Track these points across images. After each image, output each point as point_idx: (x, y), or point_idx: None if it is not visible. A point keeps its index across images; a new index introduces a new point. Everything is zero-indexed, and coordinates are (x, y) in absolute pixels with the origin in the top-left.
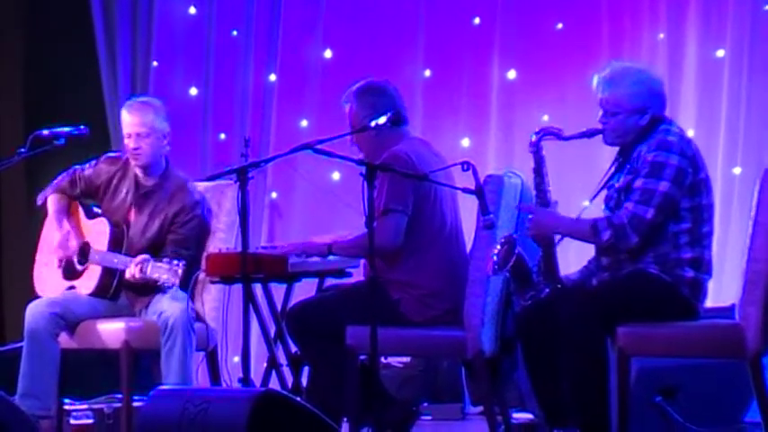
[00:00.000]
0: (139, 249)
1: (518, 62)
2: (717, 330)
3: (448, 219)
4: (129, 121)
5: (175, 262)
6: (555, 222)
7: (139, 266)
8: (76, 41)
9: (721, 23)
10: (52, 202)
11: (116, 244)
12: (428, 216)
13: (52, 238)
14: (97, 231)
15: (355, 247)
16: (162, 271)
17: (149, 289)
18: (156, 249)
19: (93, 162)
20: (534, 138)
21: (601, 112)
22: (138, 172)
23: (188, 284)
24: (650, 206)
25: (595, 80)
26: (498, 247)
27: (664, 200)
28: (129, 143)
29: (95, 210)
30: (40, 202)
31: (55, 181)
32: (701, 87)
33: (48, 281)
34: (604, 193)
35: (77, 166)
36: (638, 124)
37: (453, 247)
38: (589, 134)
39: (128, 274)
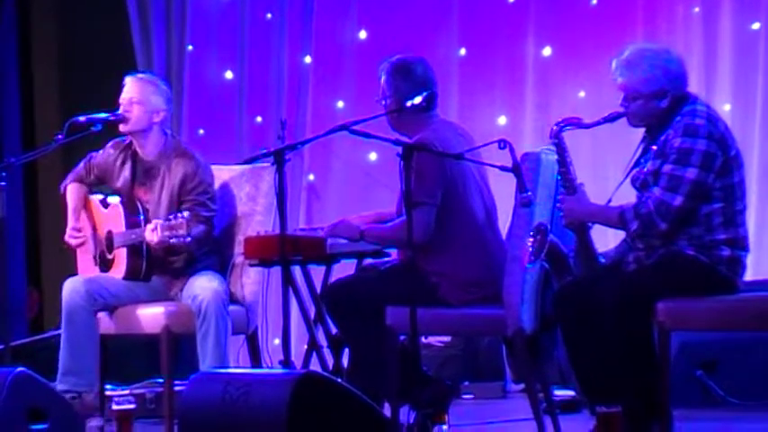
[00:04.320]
0: None
1: (553, 39)
2: (757, 303)
3: (479, 205)
4: (127, 88)
5: (179, 215)
6: (585, 211)
7: (154, 231)
8: (111, 27)
9: None
10: (69, 193)
11: (133, 224)
12: (458, 206)
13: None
14: (114, 216)
15: (386, 239)
16: (170, 228)
17: (182, 271)
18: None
19: (103, 149)
20: (555, 129)
21: (622, 96)
22: (139, 150)
23: (210, 242)
24: (678, 193)
25: (614, 65)
26: (531, 238)
27: (692, 187)
28: (121, 109)
29: (109, 199)
30: (62, 190)
31: (74, 169)
32: (737, 61)
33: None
34: (634, 172)
35: (93, 153)
36: (659, 107)
37: (487, 233)
38: (611, 119)
39: (149, 240)
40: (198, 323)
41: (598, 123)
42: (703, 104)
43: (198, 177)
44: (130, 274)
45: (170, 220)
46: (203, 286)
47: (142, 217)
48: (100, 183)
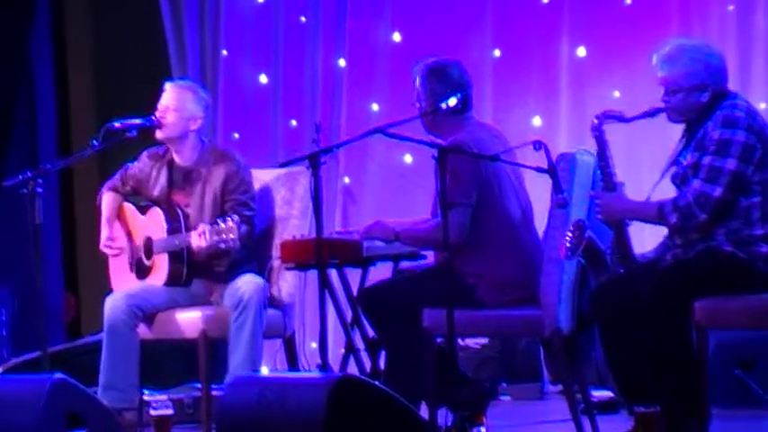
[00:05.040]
0: None
1: (587, 39)
2: None
3: (515, 206)
4: (165, 94)
5: (229, 220)
6: (622, 207)
7: (202, 236)
8: (145, 33)
9: None
10: (105, 203)
11: (174, 230)
12: (494, 206)
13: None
14: (153, 222)
15: (421, 240)
16: (219, 233)
17: (224, 275)
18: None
19: (138, 159)
20: (596, 122)
21: (662, 91)
22: (176, 157)
23: (252, 244)
24: (718, 184)
25: (654, 59)
26: (569, 233)
27: (731, 178)
28: (158, 114)
29: (144, 204)
30: (98, 201)
31: (110, 179)
32: None
33: (124, 285)
34: (673, 170)
35: (129, 164)
36: (699, 101)
37: (524, 233)
38: (651, 114)
39: (195, 246)
40: (235, 315)
41: (639, 117)
42: (743, 99)
43: (239, 177)
44: (171, 280)
45: (218, 224)
46: (246, 281)
47: (182, 222)
48: (135, 193)
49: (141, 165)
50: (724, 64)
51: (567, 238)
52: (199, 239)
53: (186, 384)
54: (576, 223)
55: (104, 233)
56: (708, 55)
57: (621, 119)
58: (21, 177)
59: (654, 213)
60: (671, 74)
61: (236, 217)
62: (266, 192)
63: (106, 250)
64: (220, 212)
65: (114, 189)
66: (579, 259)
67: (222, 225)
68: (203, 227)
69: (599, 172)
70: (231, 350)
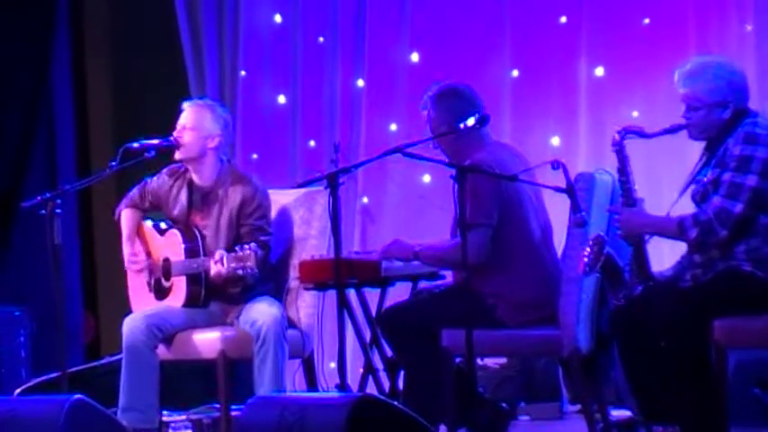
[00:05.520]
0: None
1: (606, 59)
2: None
3: (535, 225)
4: (184, 114)
5: (246, 247)
6: (642, 222)
7: (220, 262)
8: (163, 54)
9: None
10: (124, 219)
11: (191, 251)
12: (514, 227)
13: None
14: (171, 244)
15: (440, 259)
16: (237, 260)
17: (239, 297)
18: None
19: (158, 175)
20: (617, 137)
21: (684, 108)
22: (194, 177)
23: (267, 268)
24: (738, 200)
25: (677, 76)
26: (588, 248)
27: (752, 194)
28: (176, 134)
29: (163, 225)
30: (116, 216)
31: (129, 194)
32: None
33: (143, 305)
34: (692, 188)
35: (148, 179)
36: (721, 118)
37: (544, 252)
38: (672, 130)
39: (213, 273)
40: (256, 348)
41: (660, 134)
42: (764, 119)
43: (256, 201)
44: (189, 302)
45: (236, 251)
46: (262, 311)
47: (200, 243)
48: (155, 209)
49: (160, 182)
50: (746, 82)
51: (586, 252)
52: (216, 266)
53: (205, 405)
54: (595, 238)
55: (127, 250)
56: (731, 72)
57: (642, 134)
58: (39, 198)
59: (674, 228)
60: (693, 90)
61: (253, 245)
62: (285, 212)
63: (132, 266)
64: (236, 235)
65: (133, 206)
66: (597, 274)
67: (240, 252)
68: (220, 253)
69: (619, 187)
70: (257, 383)
